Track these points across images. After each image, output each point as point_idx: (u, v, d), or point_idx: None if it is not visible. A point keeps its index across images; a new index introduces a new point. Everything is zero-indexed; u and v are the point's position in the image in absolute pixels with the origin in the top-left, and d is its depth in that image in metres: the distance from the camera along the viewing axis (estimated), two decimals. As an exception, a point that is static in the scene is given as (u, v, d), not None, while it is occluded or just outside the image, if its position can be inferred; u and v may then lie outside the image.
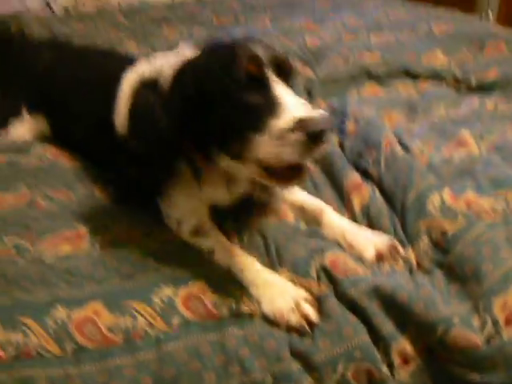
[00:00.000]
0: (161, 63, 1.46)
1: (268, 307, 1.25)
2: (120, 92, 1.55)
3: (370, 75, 2.21)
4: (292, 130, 1.11)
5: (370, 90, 2.16)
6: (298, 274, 1.33)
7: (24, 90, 1.95)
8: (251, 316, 1.25)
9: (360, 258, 1.37)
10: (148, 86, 1.40)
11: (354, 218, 1.53)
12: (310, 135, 1.11)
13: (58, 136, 1.93)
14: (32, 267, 1.35)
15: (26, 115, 1.93)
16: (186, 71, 1.30)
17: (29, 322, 1.21)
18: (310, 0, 3.20)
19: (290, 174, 1.20)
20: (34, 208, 1.58)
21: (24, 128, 1.94)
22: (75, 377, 1.16)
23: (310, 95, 2.15)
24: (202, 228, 1.43)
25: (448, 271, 1.33)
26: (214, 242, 1.40)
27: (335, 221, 1.47)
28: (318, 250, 1.38)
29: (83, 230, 1.47)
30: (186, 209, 1.45)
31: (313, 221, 1.50)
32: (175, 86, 1.30)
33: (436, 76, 2.19)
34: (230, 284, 1.31)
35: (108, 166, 1.70)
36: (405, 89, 2.15)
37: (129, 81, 1.54)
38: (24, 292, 1.28)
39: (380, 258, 1.36)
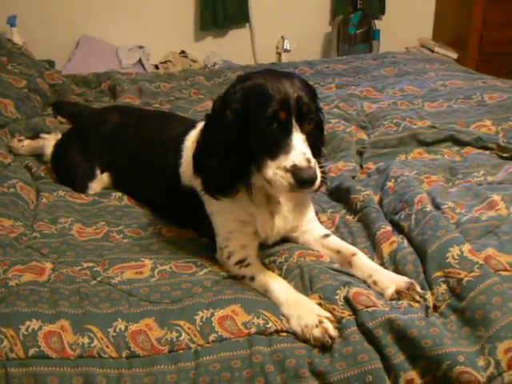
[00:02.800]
0: None
1: (296, 322, 1.48)
2: (184, 148, 1.86)
3: (419, 141, 2.38)
4: (287, 170, 1.48)
5: (417, 154, 2.33)
6: (325, 299, 1.54)
7: (96, 152, 2.24)
8: (277, 334, 1.47)
9: (381, 294, 1.58)
10: None
11: (382, 263, 1.72)
12: (296, 179, 1.48)
13: (122, 191, 2.21)
14: (101, 287, 1.63)
15: (99, 175, 2.23)
16: (235, 90, 1.62)
17: (94, 329, 1.47)
18: (377, 67, 3.44)
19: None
20: (109, 240, 1.88)
21: (97, 188, 2.23)
22: (126, 377, 1.41)
23: (361, 156, 2.36)
24: (247, 260, 1.69)
25: (461, 316, 1.47)
26: (256, 271, 1.66)
27: (365, 263, 1.68)
28: (345, 283, 1.58)
29: (147, 261, 1.74)
30: (239, 243, 1.72)
31: (345, 262, 1.72)
32: (228, 104, 1.61)
33: (481, 143, 2.33)
34: (260, 306, 1.54)
35: (171, 213, 2.00)
36: (450, 154, 2.31)
37: (191, 137, 1.84)
38: (93, 306, 1.54)
39: (399, 294, 1.55)
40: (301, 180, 1.47)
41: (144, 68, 4.61)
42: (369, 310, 1.48)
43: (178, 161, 1.88)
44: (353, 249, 1.74)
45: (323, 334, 1.43)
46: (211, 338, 1.46)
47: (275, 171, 1.50)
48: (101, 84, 3.39)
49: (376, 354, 1.41)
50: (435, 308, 1.53)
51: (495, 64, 4.77)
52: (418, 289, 1.56)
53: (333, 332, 1.44)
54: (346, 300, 1.53)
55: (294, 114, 1.53)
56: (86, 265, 1.71)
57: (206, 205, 1.78)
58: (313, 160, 1.50)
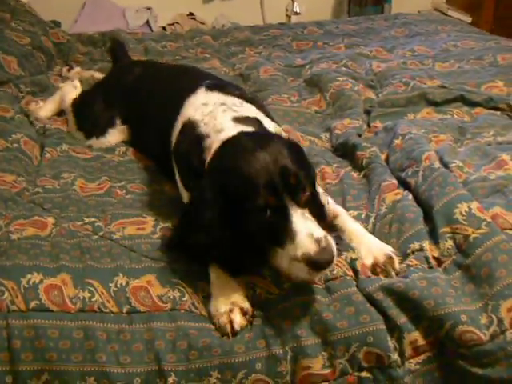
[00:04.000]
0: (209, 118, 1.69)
1: (212, 303, 1.44)
2: (180, 116, 1.82)
3: (428, 101, 2.32)
4: (300, 260, 1.32)
5: (426, 114, 2.28)
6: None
7: (118, 102, 2.24)
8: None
9: None
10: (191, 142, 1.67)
11: (380, 213, 1.68)
12: (313, 267, 1.32)
13: (135, 145, 2.21)
14: (103, 242, 1.61)
15: (118, 125, 2.22)
16: (216, 168, 1.49)
17: (95, 283, 1.47)
18: (387, 28, 3.36)
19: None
20: (112, 196, 1.86)
21: (116, 137, 2.23)
22: (127, 332, 1.40)
23: (369, 115, 2.31)
24: None
25: (466, 272, 1.45)
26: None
27: (346, 225, 1.62)
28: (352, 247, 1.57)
29: (149, 217, 1.73)
30: None
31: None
32: (211, 178, 1.48)
33: (492, 103, 2.27)
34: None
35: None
36: (459, 114, 2.26)
37: (190, 104, 1.80)
38: (94, 261, 1.53)
39: (375, 267, 1.50)
40: (318, 266, 1.33)
41: (151, 30, 4.53)
42: (370, 278, 1.47)
43: (170, 129, 1.83)
44: (338, 210, 1.68)
45: (226, 325, 1.38)
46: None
47: (290, 263, 1.35)
48: (106, 43, 3.32)
49: (378, 315, 1.39)
50: (440, 263, 1.51)
51: (510, 27, 4.66)
52: (397, 264, 1.50)
53: (237, 325, 1.38)
54: (352, 263, 1.51)
55: (285, 191, 1.36)
56: (87, 220, 1.70)
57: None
58: (322, 235, 1.33)
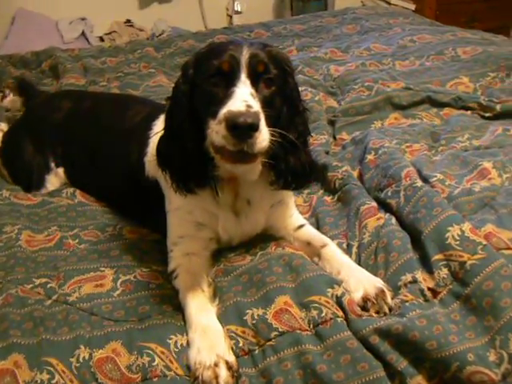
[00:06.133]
0: None
1: (193, 355, 1.27)
2: (151, 134, 1.63)
3: (394, 105, 2.21)
4: (221, 121, 1.25)
5: (394, 120, 2.16)
6: (314, 291, 1.36)
7: (48, 143, 2.02)
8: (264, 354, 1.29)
9: None
10: None
11: (363, 242, 1.54)
12: (228, 126, 1.23)
13: (79, 186, 1.99)
14: (57, 307, 1.42)
15: (54, 169, 2.01)
16: (189, 61, 1.44)
17: (54, 361, 1.27)
18: (338, 25, 3.23)
19: (239, 157, 1.29)
20: (63, 248, 1.66)
21: (55, 182, 2.02)
22: (97, 416, 1.20)
23: (333, 126, 2.17)
24: (176, 271, 1.49)
25: (465, 303, 1.33)
26: (182, 284, 1.45)
27: (334, 256, 1.49)
28: (338, 281, 1.41)
29: (107, 270, 1.54)
30: (184, 250, 1.52)
31: (315, 254, 1.53)
32: (183, 73, 1.44)
33: (460, 103, 2.16)
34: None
35: (130, 209, 1.79)
36: (429, 117, 2.15)
37: (160, 123, 1.61)
38: (50, 333, 1.34)
39: (365, 301, 1.37)
40: (232, 125, 1.23)
41: (88, 41, 4.31)
42: (362, 318, 1.32)
43: (144, 149, 1.65)
44: (324, 240, 1.55)
45: (211, 380, 1.22)
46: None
47: (212, 127, 1.29)
48: (41, 64, 3.12)
49: (377, 361, 1.25)
50: (435, 294, 1.38)
51: (454, 13, 4.66)
52: (389, 298, 1.36)
53: (223, 382, 1.22)
54: (339, 301, 1.36)
55: (246, 69, 1.32)
56: (38, 281, 1.52)
57: (166, 201, 1.58)
58: (256, 107, 1.26)
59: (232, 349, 1.30)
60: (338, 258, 1.49)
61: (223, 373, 1.23)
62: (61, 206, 1.87)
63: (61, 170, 2.01)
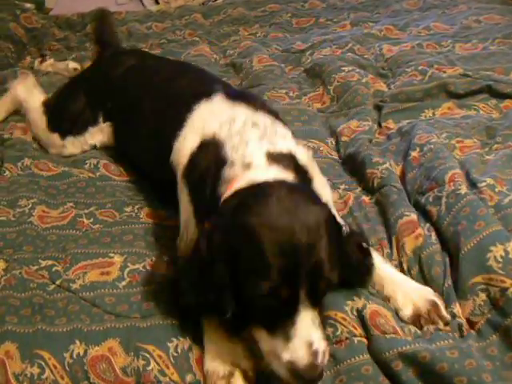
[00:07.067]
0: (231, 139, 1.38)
1: (208, 362, 1.18)
2: (188, 119, 1.51)
3: (449, 93, 1.99)
4: (284, 362, 1.08)
5: (447, 110, 1.95)
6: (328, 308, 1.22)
7: (102, 97, 1.92)
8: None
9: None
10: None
11: (402, 259, 1.39)
12: (293, 376, 1.07)
13: (119, 147, 1.91)
14: (60, 294, 1.35)
15: (101, 123, 1.91)
16: (235, 220, 1.14)
17: (46, 355, 1.20)
18: (397, 0, 2.98)
19: None
20: (77, 227, 1.58)
21: (96, 137, 1.93)
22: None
23: (379, 112, 1.99)
24: None
25: (505, 337, 1.17)
26: None
27: (378, 268, 1.31)
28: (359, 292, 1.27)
29: (116, 257, 1.45)
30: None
31: None
32: (224, 230, 1.15)
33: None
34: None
35: (158, 188, 1.69)
36: (486, 109, 1.93)
37: (201, 110, 1.51)
38: (47, 323, 1.27)
39: (417, 318, 1.23)
40: (300, 379, 1.07)
41: (142, 3, 4.18)
42: (386, 336, 1.17)
43: (176, 131, 1.51)
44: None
45: None
46: (188, 378, 1.17)
47: (274, 356, 1.10)
48: (86, 26, 3.00)
49: (394, 393, 1.12)
50: (471, 324, 1.22)
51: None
52: (443, 311, 1.23)
53: None
54: (360, 316, 1.22)
55: (304, 287, 1.07)
56: (44, 263, 1.45)
57: (179, 191, 1.46)
58: (321, 350, 1.08)
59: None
60: (381, 271, 1.31)
61: (239, 382, 1.15)
62: (81, 180, 1.79)
63: (107, 126, 1.91)
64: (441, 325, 1.21)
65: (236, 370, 1.16)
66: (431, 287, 1.29)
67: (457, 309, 1.24)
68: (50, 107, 2.03)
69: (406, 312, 1.24)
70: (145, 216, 1.63)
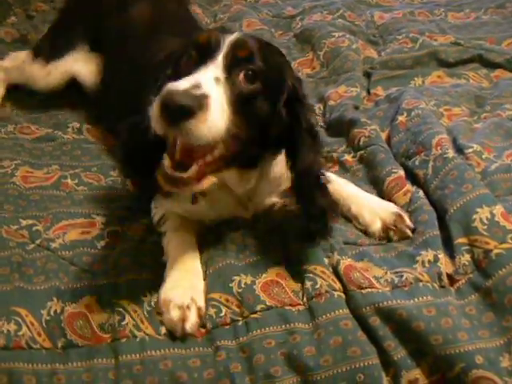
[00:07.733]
0: None
1: (166, 289, 1.19)
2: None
3: (439, 61, 1.99)
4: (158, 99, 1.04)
5: (436, 78, 1.94)
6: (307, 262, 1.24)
7: (87, 24, 1.90)
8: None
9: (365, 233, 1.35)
10: None
11: None
12: (162, 108, 1.02)
13: (104, 82, 1.87)
14: (39, 253, 1.35)
15: (84, 51, 1.89)
16: None
17: (24, 312, 1.19)
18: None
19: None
20: (61, 188, 1.57)
21: (79, 62, 1.90)
22: (61, 373, 1.12)
23: (369, 79, 1.97)
24: (166, 215, 1.38)
25: (484, 297, 1.18)
26: (170, 226, 1.35)
27: (342, 190, 1.39)
28: (333, 247, 1.27)
29: (98, 218, 1.45)
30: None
31: None
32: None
33: (514, 65, 1.93)
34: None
35: None
36: (476, 78, 1.92)
37: None
38: (25, 281, 1.26)
39: (386, 232, 1.33)
40: (163, 104, 1.02)
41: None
42: (363, 291, 1.17)
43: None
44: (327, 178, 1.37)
45: (176, 322, 1.14)
46: (163, 330, 1.17)
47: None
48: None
49: (372, 346, 1.13)
50: (453, 281, 1.22)
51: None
52: (407, 220, 1.33)
53: (189, 328, 1.14)
54: (336, 271, 1.22)
55: (225, 51, 1.14)
56: (25, 222, 1.44)
57: None
58: (206, 89, 1.06)
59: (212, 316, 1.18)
60: (345, 192, 1.39)
61: (192, 318, 1.15)
62: (66, 143, 1.77)
63: (94, 56, 1.89)
64: (408, 233, 1.31)
65: (193, 305, 1.16)
66: (417, 233, 1.33)
67: (441, 256, 1.24)
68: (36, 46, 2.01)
69: (375, 227, 1.34)
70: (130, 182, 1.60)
